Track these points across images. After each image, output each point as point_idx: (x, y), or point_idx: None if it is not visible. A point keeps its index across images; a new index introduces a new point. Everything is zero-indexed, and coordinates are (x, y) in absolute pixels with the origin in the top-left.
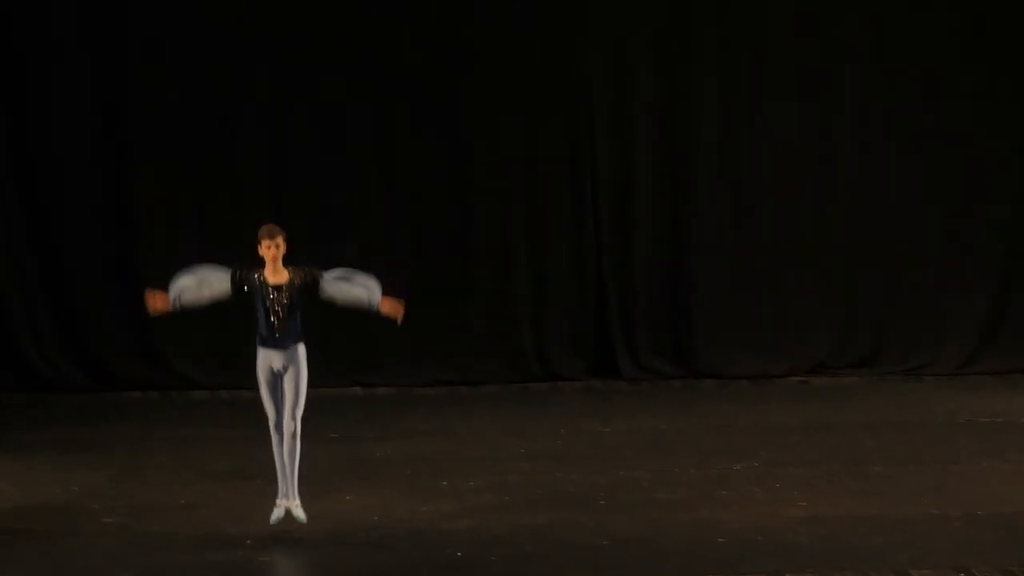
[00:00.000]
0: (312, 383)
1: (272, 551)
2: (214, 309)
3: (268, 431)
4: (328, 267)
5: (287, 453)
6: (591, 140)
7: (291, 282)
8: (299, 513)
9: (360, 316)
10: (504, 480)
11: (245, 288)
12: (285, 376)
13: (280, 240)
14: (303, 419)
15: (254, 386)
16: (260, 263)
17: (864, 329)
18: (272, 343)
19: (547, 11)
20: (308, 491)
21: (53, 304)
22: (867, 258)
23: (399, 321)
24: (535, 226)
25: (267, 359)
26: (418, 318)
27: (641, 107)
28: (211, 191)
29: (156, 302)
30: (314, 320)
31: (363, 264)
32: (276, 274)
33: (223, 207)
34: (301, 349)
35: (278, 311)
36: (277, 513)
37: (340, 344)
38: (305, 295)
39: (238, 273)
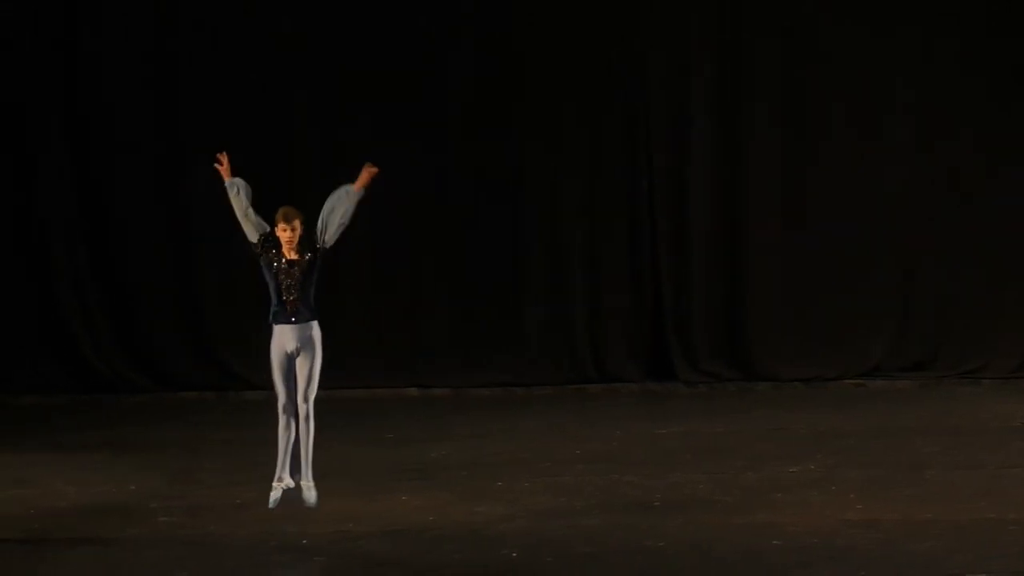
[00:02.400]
0: (368, 384)
1: (328, 551)
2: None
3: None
4: None
5: (301, 435)
6: (647, 143)
7: (302, 258)
8: (309, 496)
9: (417, 318)
10: (559, 482)
11: (260, 252)
12: (299, 357)
13: (296, 223)
14: (317, 401)
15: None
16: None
17: (920, 332)
18: (284, 318)
19: (604, 12)
20: (363, 491)
21: (110, 305)
22: (923, 260)
23: (374, 172)
24: (591, 228)
25: (280, 337)
26: (475, 320)
27: (698, 110)
28: (265, 194)
29: (224, 166)
30: (370, 322)
31: (422, 266)
32: (291, 254)
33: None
34: (316, 327)
35: (291, 285)
36: (274, 495)
37: (397, 346)
38: (318, 266)
39: (264, 237)
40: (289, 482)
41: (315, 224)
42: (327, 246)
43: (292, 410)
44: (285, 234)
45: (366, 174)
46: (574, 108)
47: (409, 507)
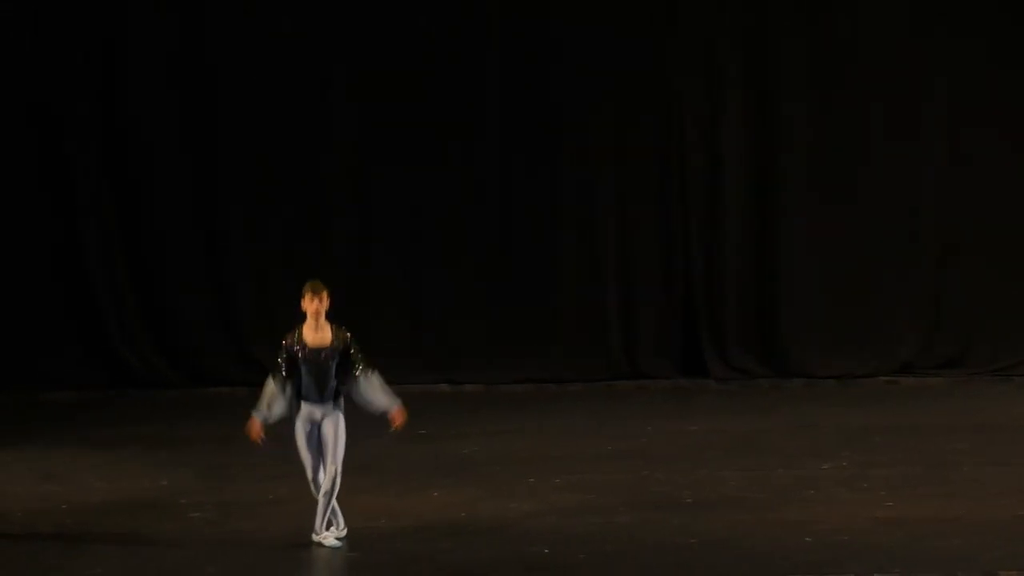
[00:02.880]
0: (400, 380)
1: (359, 547)
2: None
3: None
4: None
5: (323, 495)
6: (680, 140)
7: (334, 344)
8: (332, 542)
9: (449, 314)
10: (590, 479)
11: (290, 358)
12: (324, 422)
13: (324, 296)
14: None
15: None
16: (301, 319)
17: (952, 330)
18: (315, 400)
19: (636, 11)
20: (395, 488)
21: (144, 302)
22: (955, 258)
23: (398, 427)
24: (623, 226)
25: (307, 410)
26: (507, 317)
27: (730, 108)
28: (298, 196)
29: (255, 429)
30: (403, 319)
31: (454, 264)
32: (318, 331)
33: (310, 209)
34: (341, 403)
35: (321, 372)
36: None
37: (429, 342)
38: (344, 358)
39: (283, 356)
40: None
41: (354, 348)
42: (352, 372)
43: (321, 479)
44: (312, 305)
45: (398, 421)
46: (606, 105)
47: (440, 503)
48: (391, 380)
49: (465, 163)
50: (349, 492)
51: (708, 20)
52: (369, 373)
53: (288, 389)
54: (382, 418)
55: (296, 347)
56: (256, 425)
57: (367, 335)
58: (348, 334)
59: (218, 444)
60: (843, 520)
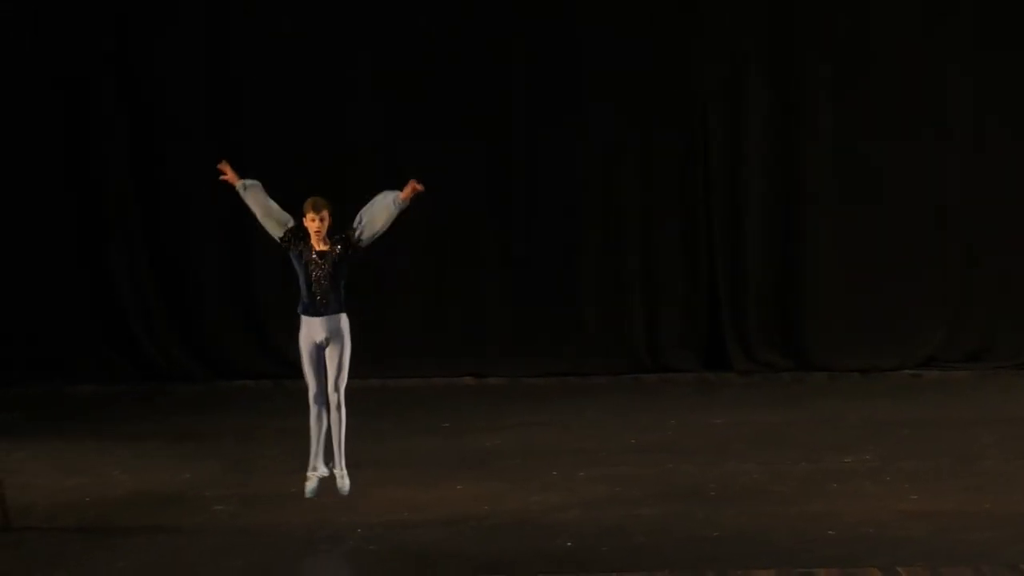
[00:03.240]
0: (424, 373)
1: (382, 540)
2: None
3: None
4: None
5: (333, 425)
6: (704, 132)
7: (333, 250)
8: (343, 484)
9: (473, 307)
10: (615, 471)
11: (288, 246)
12: (328, 348)
13: (325, 214)
14: (347, 391)
15: (366, 375)
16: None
17: (976, 322)
18: (313, 311)
19: (661, 9)
20: (418, 480)
21: (167, 295)
22: (980, 250)
23: (419, 188)
24: (647, 217)
25: (309, 329)
26: (531, 309)
27: (754, 101)
28: (321, 185)
29: (227, 171)
30: (427, 311)
31: (478, 256)
32: (320, 244)
33: (333, 200)
34: (344, 319)
35: (320, 279)
36: (310, 485)
37: (452, 335)
38: (348, 261)
39: (289, 231)
40: (323, 471)
41: (352, 219)
42: (362, 245)
43: (323, 400)
44: (314, 224)
45: (410, 189)
46: (628, 98)
47: (464, 496)
48: (414, 372)
49: (489, 156)
50: (372, 485)
51: (732, 18)
52: (354, 227)
53: (278, 226)
54: (403, 413)
55: (300, 246)
56: (231, 173)
57: (390, 327)
58: (345, 234)
59: (241, 437)
60: (867, 513)
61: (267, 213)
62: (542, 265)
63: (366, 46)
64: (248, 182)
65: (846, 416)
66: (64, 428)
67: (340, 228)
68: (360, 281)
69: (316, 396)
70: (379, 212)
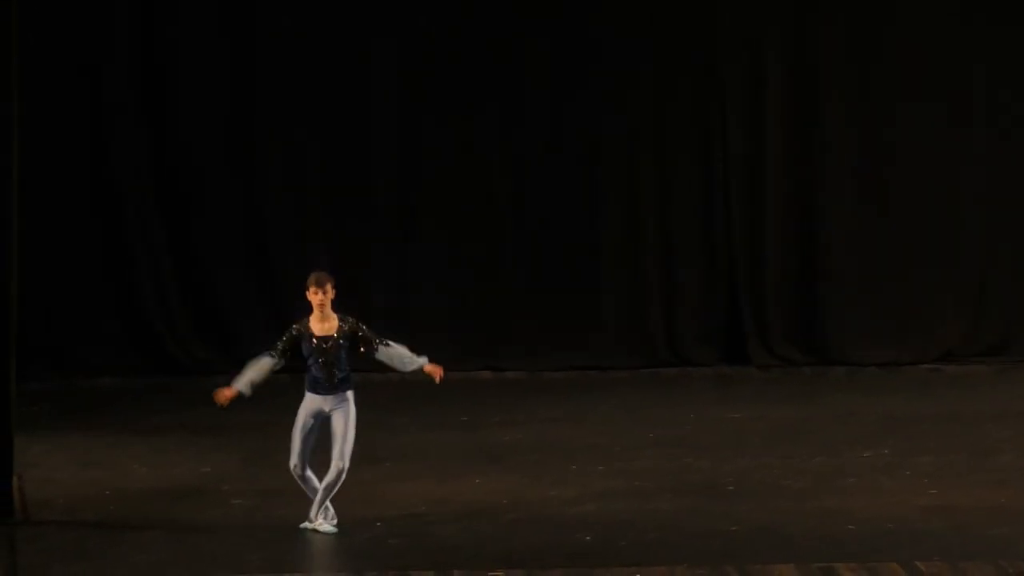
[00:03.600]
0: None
1: (400, 534)
2: (344, 292)
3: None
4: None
5: (327, 482)
6: (722, 125)
7: (340, 331)
8: (328, 528)
9: (491, 301)
10: (632, 466)
11: (291, 351)
12: (334, 415)
13: (328, 287)
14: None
15: (381, 370)
16: (307, 310)
17: (995, 317)
18: (323, 390)
19: None
20: (437, 475)
21: (186, 287)
22: (999, 245)
23: (439, 379)
24: (665, 212)
25: (313, 402)
26: (549, 303)
27: (773, 92)
28: (339, 180)
29: (224, 394)
30: (444, 305)
31: (495, 249)
32: (323, 321)
33: (351, 195)
34: (351, 394)
35: (328, 362)
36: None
37: (470, 328)
38: (354, 344)
39: (279, 348)
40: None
41: (363, 330)
42: (370, 355)
43: (301, 472)
44: (316, 297)
45: (436, 374)
46: (649, 88)
47: (482, 490)
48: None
49: (507, 147)
50: (389, 479)
51: (751, 2)
52: (387, 343)
53: (273, 368)
54: (420, 407)
55: (303, 337)
56: (227, 391)
57: (408, 321)
58: (354, 319)
59: (260, 431)
60: (886, 508)
61: (275, 366)
62: (561, 259)
63: (385, 39)
64: (243, 381)
65: (864, 411)
66: (84, 422)
67: (343, 307)
68: (380, 276)
69: (296, 467)
70: (399, 362)
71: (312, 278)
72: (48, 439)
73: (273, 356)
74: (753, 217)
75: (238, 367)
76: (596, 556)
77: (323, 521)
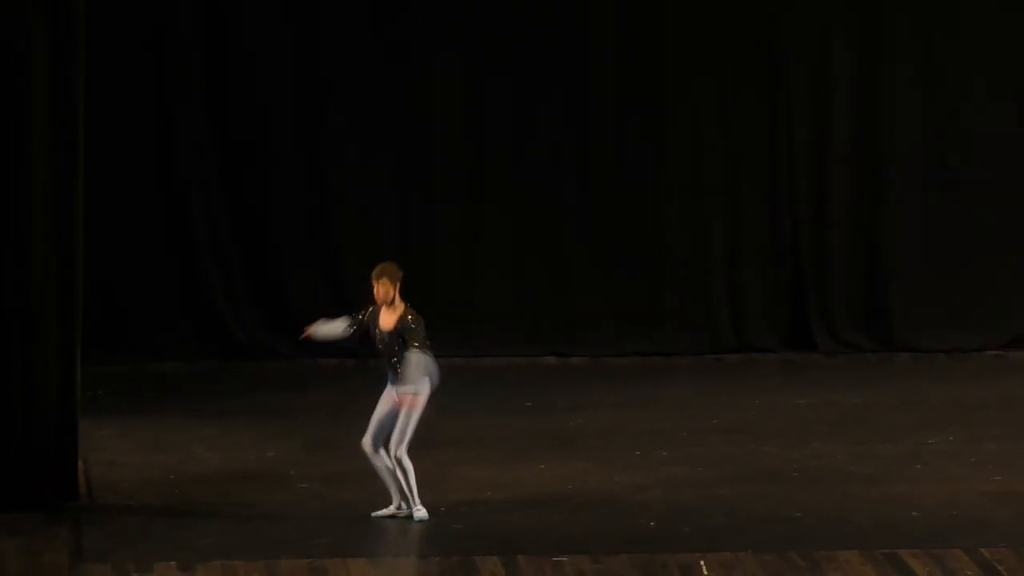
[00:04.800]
0: (507, 353)
1: (466, 519)
2: (414, 278)
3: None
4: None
5: (399, 473)
6: (788, 112)
7: (400, 324)
8: (420, 514)
9: (557, 287)
10: (697, 452)
11: (362, 330)
12: (399, 400)
13: (385, 281)
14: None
15: (451, 354)
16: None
17: None
18: (391, 379)
19: None
20: (501, 460)
21: (252, 273)
22: None
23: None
24: (731, 197)
25: (388, 389)
26: (614, 289)
27: (839, 75)
28: (406, 165)
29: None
30: (510, 291)
31: (562, 235)
32: (388, 314)
33: (417, 180)
34: (424, 390)
35: (388, 354)
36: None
37: (535, 314)
38: (406, 333)
39: (355, 318)
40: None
41: (408, 328)
42: (408, 329)
43: (371, 450)
44: (379, 294)
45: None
46: (714, 77)
47: (547, 476)
48: (497, 352)
49: (572, 135)
50: (455, 464)
51: None
52: (413, 349)
53: (344, 333)
54: (485, 393)
55: (371, 324)
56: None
57: (474, 306)
58: (409, 315)
59: (326, 415)
60: (951, 494)
61: (347, 329)
62: (626, 245)
63: (453, 20)
64: (322, 328)
65: (930, 397)
66: (150, 406)
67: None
68: (445, 261)
69: (364, 444)
70: (407, 370)
71: (376, 272)
72: (114, 423)
73: (350, 325)
74: (819, 203)
75: (302, 351)
76: (660, 542)
77: (411, 507)
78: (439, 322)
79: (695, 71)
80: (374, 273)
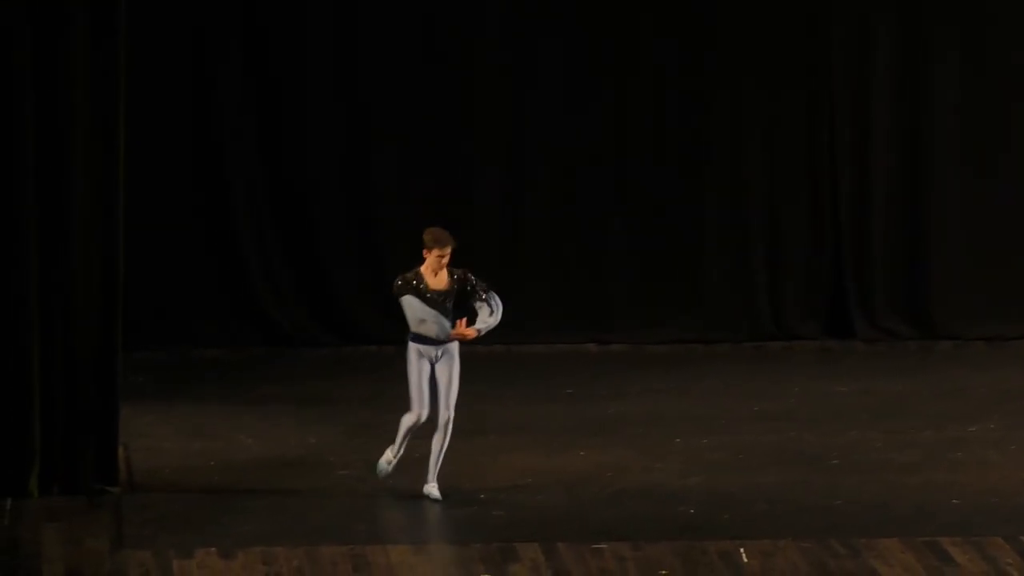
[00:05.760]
0: (547, 340)
1: (505, 506)
2: (452, 266)
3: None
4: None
5: (436, 440)
6: (829, 99)
7: (451, 287)
8: (435, 493)
9: (597, 274)
10: (737, 439)
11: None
12: (438, 367)
13: (449, 251)
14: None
15: (495, 341)
16: (419, 261)
17: None
18: (431, 341)
19: None
20: (541, 447)
21: (292, 258)
22: None
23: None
24: (771, 184)
25: (421, 352)
26: (654, 276)
27: (882, 61)
28: (446, 152)
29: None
30: (550, 278)
31: (602, 222)
32: (437, 277)
33: (457, 166)
34: (455, 346)
35: (441, 313)
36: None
37: (576, 301)
38: (462, 295)
39: (406, 290)
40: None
41: (475, 282)
42: (477, 293)
43: (429, 416)
44: (439, 260)
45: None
46: (754, 64)
47: (587, 463)
48: (537, 339)
49: (615, 123)
50: (494, 451)
51: None
52: (494, 301)
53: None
54: (525, 379)
55: (418, 286)
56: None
57: (515, 294)
58: (462, 271)
59: (366, 402)
60: (992, 482)
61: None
62: (665, 232)
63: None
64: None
65: (971, 385)
66: (191, 392)
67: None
68: (486, 248)
69: (422, 416)
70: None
71: (431, 237)
72: (155, 409)
73: (409, 298)
74: (859, 190)
75: (343, 338)
76: (700, 529)
77: (434, 486)
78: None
79: (736, 63)
80: (437, 240)
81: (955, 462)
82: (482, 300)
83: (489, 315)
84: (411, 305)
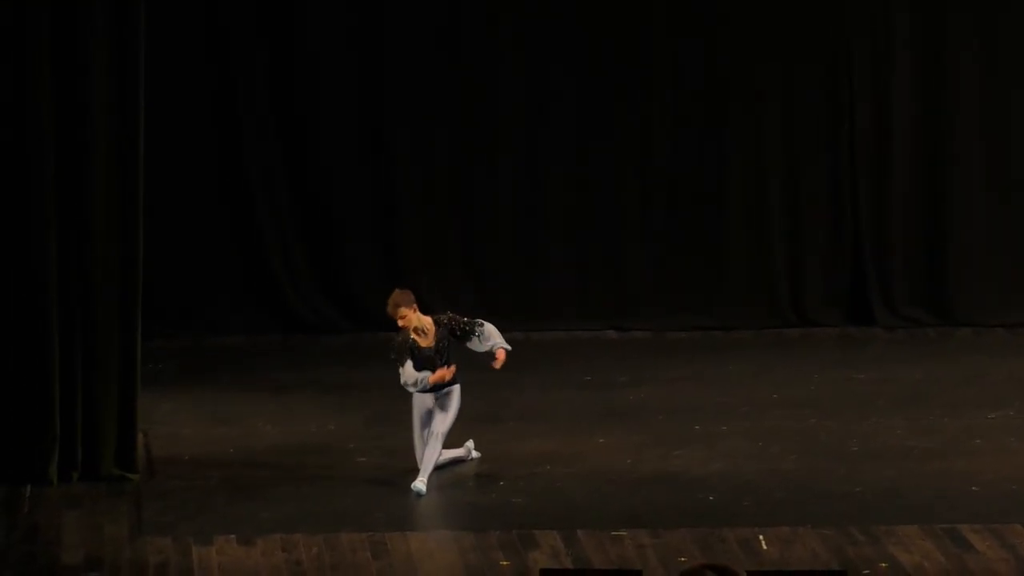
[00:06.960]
0: (568, 327)
1: (525, 493)
2: (475, 255)
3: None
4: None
5: (428, 447)
6: (849, 86)
7: (440, 339)
8: (419, 487)
9: (618, 260)
10: (757, 426)
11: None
12: (437, 405)
13: (401, 311)
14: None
15: (515, 328)
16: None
17: None
18: (431, 390)
19: None
20: (561, 434)
21: (311, 246)
22: None
23: (499, 365)
24: (791, 172)
25: (422, 400)
26: (675, 263)
27: (901, 54)
28: (467, 142)
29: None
30: (571, 265)
31: (623, 209)
32: (423, 334)
33: (478, 157)
34: (456, 387)
35: (433, 366)
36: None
37: (596, 288)
38: (454, 342)
39: (405, 358)
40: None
41: (459, 324)
42: (472, 334)
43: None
44: (400, 323)
45: (500, 359)
46: (774, 50)
47: (607, 450)
48: (558, 326)
49: (634, 111)
50: (514, 438)
51: None
52: (481, 328)
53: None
54: (544, 367)
55: (413, 349)
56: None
57: (534, 281)
58: (445, 318)
59: (385, 389)
60: (1011, 470)
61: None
62: (686, 221)
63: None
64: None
65: (991, 372)
66: (210, 379)
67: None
68: (505, 235)
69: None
70: (483, 343)
71: (391, 306)
72: (174, 397)
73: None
74: (879, 179)
75: (362, 326)
76: (720, 516)
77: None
78: (501, 296)
79: (757, 53)
80: (392, 306)
81: (974, 449)
82: (474, 336)
83: (480, 343)
84: (404, 372)
